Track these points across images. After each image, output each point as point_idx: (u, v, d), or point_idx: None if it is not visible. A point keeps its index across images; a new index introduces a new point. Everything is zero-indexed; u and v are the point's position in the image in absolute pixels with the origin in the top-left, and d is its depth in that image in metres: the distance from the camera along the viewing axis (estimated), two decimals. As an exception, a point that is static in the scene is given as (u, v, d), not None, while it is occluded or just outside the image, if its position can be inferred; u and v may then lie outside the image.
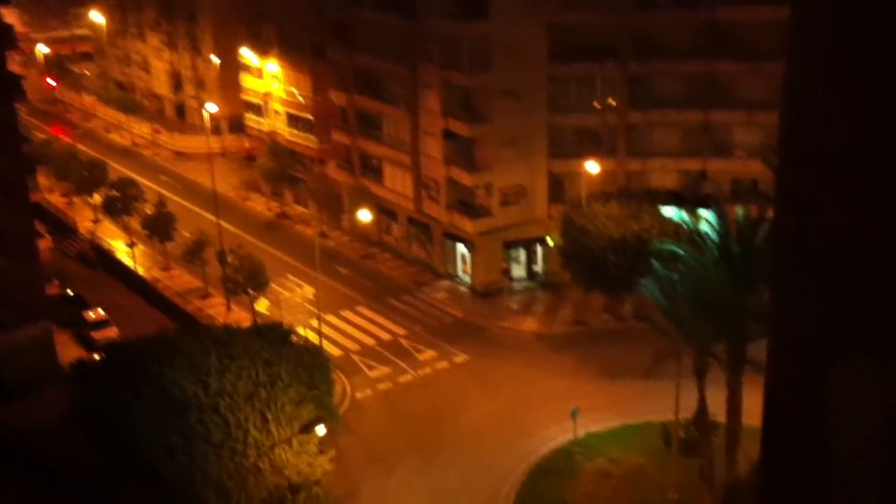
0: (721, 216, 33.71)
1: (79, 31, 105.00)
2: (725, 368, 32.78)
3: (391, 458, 37.80)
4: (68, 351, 45.00)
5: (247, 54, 69.45)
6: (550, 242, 52.71)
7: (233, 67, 74.11)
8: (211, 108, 63.67)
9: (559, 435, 38.55)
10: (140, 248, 60.68)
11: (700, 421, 34.55)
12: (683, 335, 32.96)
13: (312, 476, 29.38)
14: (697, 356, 33.24)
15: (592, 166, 50.05)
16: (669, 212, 48.61)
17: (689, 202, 46.76)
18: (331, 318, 49.87)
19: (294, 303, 44.87)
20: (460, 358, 46.34)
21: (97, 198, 63.35)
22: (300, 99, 65.33)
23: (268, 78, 68.36)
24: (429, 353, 46.90)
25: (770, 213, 31.97)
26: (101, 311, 49.53)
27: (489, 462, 37.35)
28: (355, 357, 46.86)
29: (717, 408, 33.54)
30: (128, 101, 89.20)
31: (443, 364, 45.90)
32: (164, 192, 67.92)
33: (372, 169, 60.11)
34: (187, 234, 55.14)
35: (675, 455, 34.67)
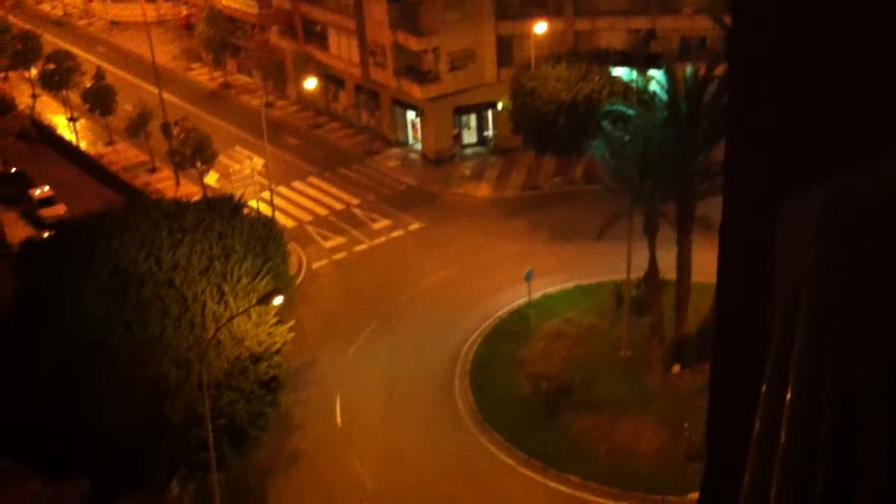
0: (670, 75, 33.61)
1: None
2: (675, 227, 33.29)
3: (349, 327, 38.26)
4: (16, 230, 44.31)
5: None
6: (500, 107, 52.35)
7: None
8: (145, -26, 61.27)
9: (514, 297, 39.19)
10: (81, 122, 59.20)
11: (651, 279, 35.29)
12: (633, 195, 33.29)
13: (272, 346, 29.67)
14: (648, 216, 33.68)
15: (540, 27, 49.30)
16: (619, 72, 48.43)
17: (638, 62, 46.54)
18: (282, 189, 49.52)
19: (244, 175, 44.35)
20: (414, 226, 46.49)
21: (34, 72, 61.31)
22: (238, -38, 63.07)
23: (203, -59, 65.72)
24: (383, 222, 46.97)
25: (718, 71, 32.09)
26: (46, 189, 48.63)
27: (446, 326, 37.98)
28: (309, 228, 46.79)
29: (668, 266, 34.24)
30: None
31: (397, 232, 46.07)
32: (102, 63, 65.85)
33: (316, 35, 58.67)
34: (129, 108, 53.80)
35: (626, 314, 35.51)
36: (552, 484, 30.32)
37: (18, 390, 27.01)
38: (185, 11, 72.85)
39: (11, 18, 73.60)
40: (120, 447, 26.17)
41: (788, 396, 3.36)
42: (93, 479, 27.46)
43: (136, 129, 51.58)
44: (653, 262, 34.70)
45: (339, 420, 33.61)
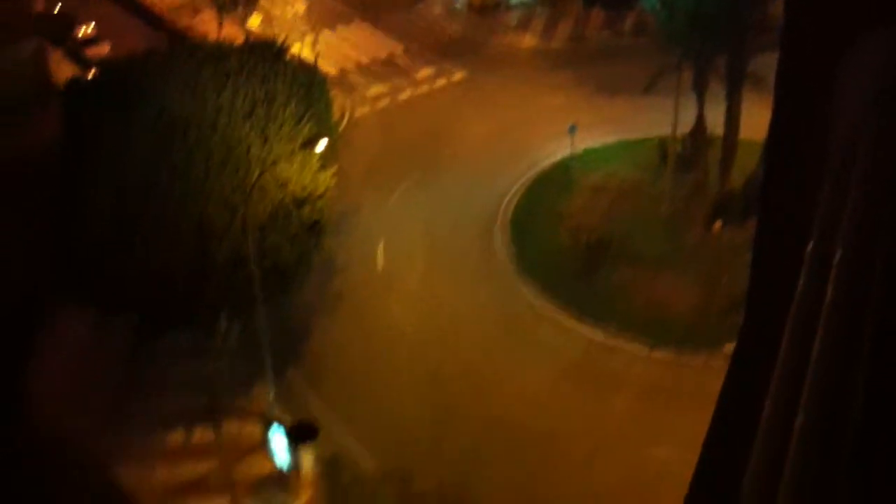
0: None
1: None
2: (725, 83, 32.67)
3: (391, 175, 38.46)
4: (61, 70, 44.45)
5: None
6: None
7: None
8: None
9: (557, 151, 39.02)
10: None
11: (697, 135, 34.90)
12: (683, 50, 32.56)
13: (316, 191, 30.01)
14: (697, 71, 33.01)
15: None
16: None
17: None
18: (325, 34, 48.90)
19: (286, 19, 43.79)
20: (458, 75, 45.95)
21: None
22: None
23: None
24: (426, 71, 46.44)
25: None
26: (91, 29, 48.44)
27: (488, 178, 38.07)
28: (352, 75, 46.43)
29: (715, 123, 33.77)
30: None
31: (441, 82, 45.59)
32: None
33: None
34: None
35: (670, 169, 35.31)
36: (587, 333, 30.96)
37: (69, 232, 27.75)
38: None
39: None
40: (167, 286, 27.00)
41: (838, 256, 3.44)
42: (142, 314, 28.48)
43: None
44: (700, 117, 34.23)
45: (380, 265, 34.29)
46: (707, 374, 29.08)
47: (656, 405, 28.45)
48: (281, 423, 24.61)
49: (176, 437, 28.19)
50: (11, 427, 20.99)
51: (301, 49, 43.37)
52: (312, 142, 29.28)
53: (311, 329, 31.78)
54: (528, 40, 49.15)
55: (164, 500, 25.79)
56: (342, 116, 42.66)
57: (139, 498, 22.65)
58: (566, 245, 34.12)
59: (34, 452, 21.11)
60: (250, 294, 26.61)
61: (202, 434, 27.73)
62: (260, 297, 26.29)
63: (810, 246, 4.08)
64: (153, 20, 51.35)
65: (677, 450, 26.65)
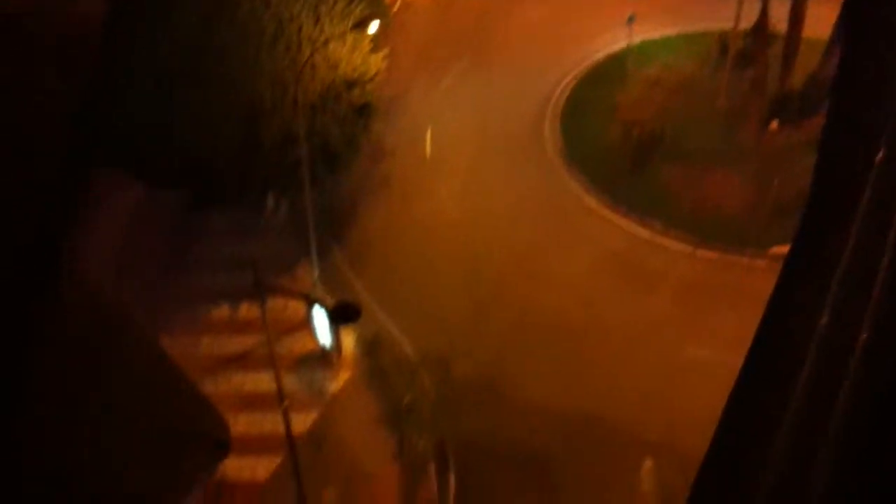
0: None
1: None
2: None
3: (443, 61, 37.89)
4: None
5: None
6: None
7: None
8: None
9: (613, 42, 38.08)
10: None
11: (759, 31, 33.79)
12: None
13: (366, 73, 29.71)
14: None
15: None
16: None
17: None
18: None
19: None
20: (515, -42, 44.63)
21: None
22: None
23: None
24: (482, -47, 45.15)
25: None
26: None
27: (541, 67, 37.37)
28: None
29: (779, 19, 32.65)
30: None
31: (496, -36, 44.36)
32: None
33: None
34: None
35: (729, 66, 34.36)
36: (633, 228, 30.77)
37: (113, 105, 27.71)
38: None
39: None
40: (214, 163, 27.11)
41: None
42: (189, 190, 28.72)
43: None
44: (764, 12, 33.09)
45: (428, 151, 34.12)
46: (751, 275, 28.94)
47: (696, 304, 28.38)
48: (323, 303, 24.93)
49: (220, 312, 28.79)
50: (58, 288, 21.43)
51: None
52: (364, 23, 28.79)
53: (357, 212, 31.93)
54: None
55: (207, 372, 26.46)
56: (395, -2, 41.88)
57: (184, 366, 23.21)
58: (617, 139, 33.62)
59: (80, 313, 21.61)
60: (298, 174, 26.66)
61: (246, 310, 28.27)
62: (307, 177, 26.33)
63: (881, 154, 3.91)
64: None
65: (714, 350, 26.78)
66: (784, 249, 29.08)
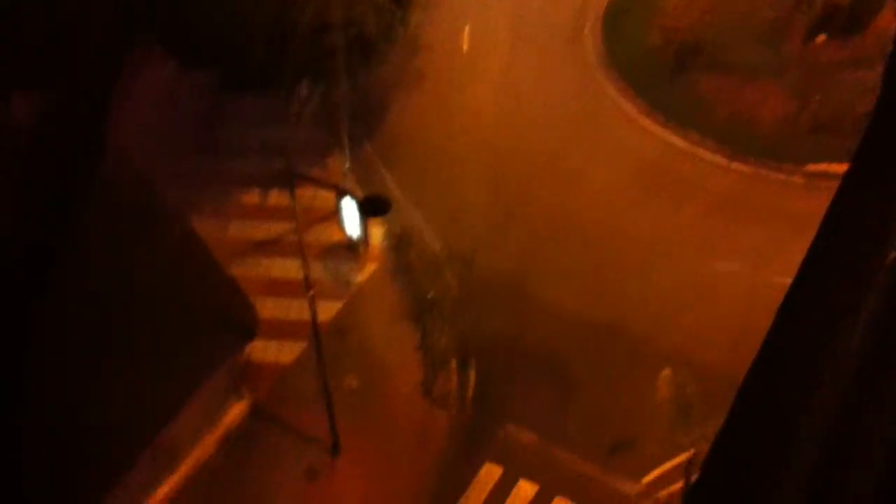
0: None
1: None
2: None
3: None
4: None
5: None
6: None
7: None
8: None
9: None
10: None
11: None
12: None
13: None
14: None
15: None
16: None
17: None
18: None
19: None
20: None
21: None
22: None
23: None
24: None
25: None
26: None
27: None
28: None
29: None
30: None
31: None
32: None
33: None
34: None
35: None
36: (669, 137, 30.38)
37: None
38: None
39: None
40: (247, 47, 26.83)
41: None
42: (222, 71, 28.49)
43: None
44: None
45: (465, 47, 33.58)
46: (786, 191, 28.72)
47: (726, 217, 28.22)
48: (353, 194, 24.97)
49: (250, 197, 28.89)
50: (95, 161, 21.51)
51: None
52: None
53: (390, 105, 31.66)
54: None
55: (236, 256, 26.73)
56: None
57: (213, 248, 23.51)
58: (658, 45, 32.89)
59: (119, 189, 21.79)
60: (332, 64, 26.40)
61: (276, 197, 28.33)
62: (342, 66, 26.07)
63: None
64: None
65: (741, 266, 26.79)
66: (820, 167, 28.97)
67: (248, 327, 23.40)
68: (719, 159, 29.70)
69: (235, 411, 24.19)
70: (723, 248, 27.31)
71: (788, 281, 26.96)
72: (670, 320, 25.88)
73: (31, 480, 19.18)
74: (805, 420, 6.42)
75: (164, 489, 22.74)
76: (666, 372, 21.25)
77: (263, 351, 24.85)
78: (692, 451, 20.91)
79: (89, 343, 20.87)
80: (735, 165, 29.57)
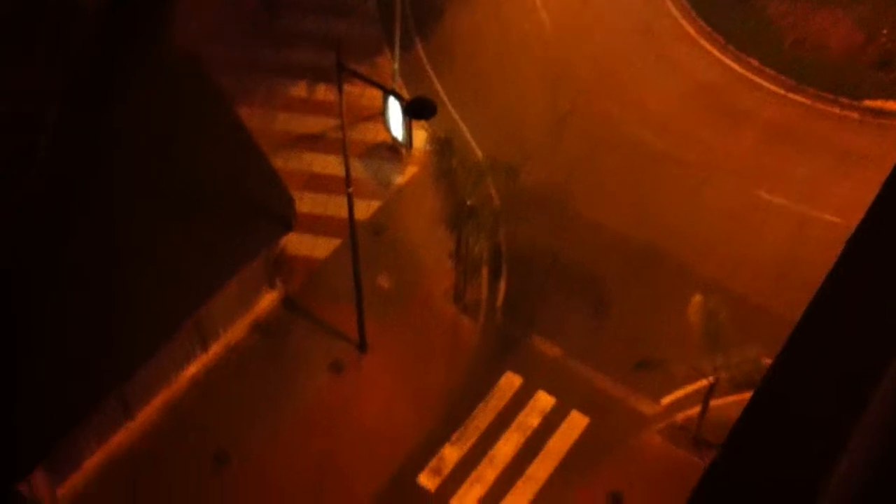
0: None
1: None
2: None
3: None
4: None
5: None
6: None
7: None
8: None
9: None
10: None
11: None
12: None
13: None
14: None
15: None
16: None
17: None
18: None
19: None
20: None
21: None
22: None
23: None
24: None
25: None
26: None
27: None
28: None
29: None
30: None
31: None
32: None
33: None
34: None
35: None
36: (728, 61, 29.61)
37: None
38: None
39: None
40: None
41: None
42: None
43: None
44: None
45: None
46: (842, 125, 28.01)
47: (779, 149, 27.64)
48: (400, 95, 24.77)
49: (298, 90, 28.88)
50: (152, 44, 21.61)
51: None
52: None
53: (445, 8, 31.18)
54: None
55: (280, 147, 26.84)
56: None
57: (258, 139, 23.57)
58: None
59: (169, 70, 21.88)
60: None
61: (323, 92, 28.30)
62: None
63: None
64: None
65: (787, 199, 26.34)
66: (877, 104, 28.16)
67: (286, 220, 23.61)
68: (777, 88, 28.95)
69: (268, 300, 24.60)
70: (771, 179, 26.82)
71: (834, 218, 26.64)
72: (711, 247, 25.63)
73: (76, 344, 19.90)
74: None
75: (194, 368, 23.36)
76: (699, 298, 21.05)
77: (299, 244, 25.11)
78: (714, 378, 20.90)
79: (134, 220, 21.30)
80: (792, 96, 28.80)
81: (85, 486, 21.57)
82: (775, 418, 5.90)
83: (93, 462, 21.77)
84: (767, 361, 21.28)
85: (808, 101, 28.63)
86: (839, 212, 25.94)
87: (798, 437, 5.80)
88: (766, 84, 29.17)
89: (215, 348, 23.74)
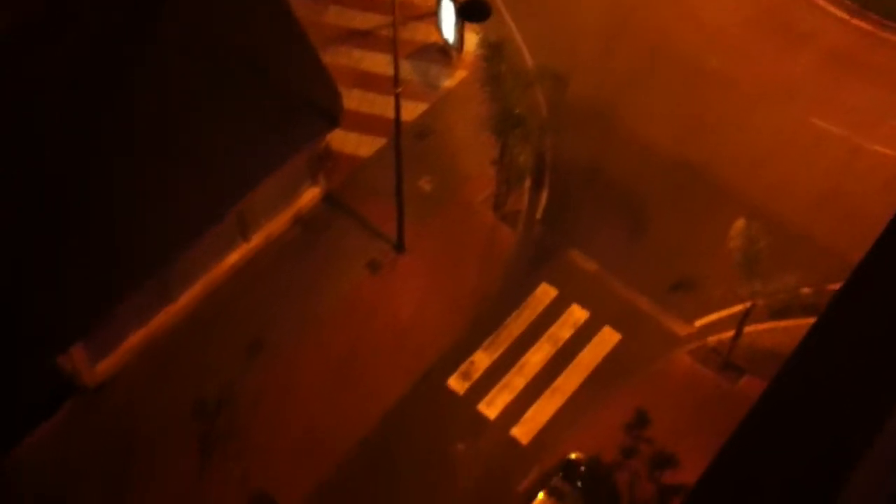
0: None
1: None
2: None
3: None
4: None
5: None
6: None
7: None
8: None
9: None
10: None
11: None
12: None
13: None
14: None
15: None
16: None
17: None
18: None
19: None
20: None
21: None
22: None
23: None
24: None
25: None
26: None
27: None
28: None
29: None
30: None
31: None
32: None
33: None
34: None
35: None
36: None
37: None
38: None
39: None
40: None
41: None
42: None
43: None
44: None
45: None
46: (902, 56, 27.23)
47: (836, 75, 26.97)
48: (455, -5, 24.43)
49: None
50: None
51: None
52: None
53: None
54: None
55: (329, 42, 26.62)
56: None
57: (308, 32, 23.34)
58: None
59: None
60: None
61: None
62: None
63: None
64: None
65: (839, 126, 25.83)
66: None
67: (333, 115, 23.52)
68: (840, 13, 28.11)
69: (310, 195, 24.73)
70: (825, 106, 26.26)
71: (885, 150, 26.11)
72: (758, 171, 25.31)
73: (123, 226, 20.24)
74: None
75: (235, 257, 23.67)
76: (740, 221, 20.88)
77: (343, 141, 25.08)
78: (750, 303, 20.87)
79: (182, 107, 21.38)
80: (856, 21, 27.94)
81: (123, 364, 22.17)
82: (836, 348, 5.87)
83: (132, 342, 22.33)
84: (805, 290, 21.34)
85: (872, 28, 27.78)
86: (891, 144, 25.45)
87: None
88: (829, 7, 28.34)
89: (256, 239, 24.01)
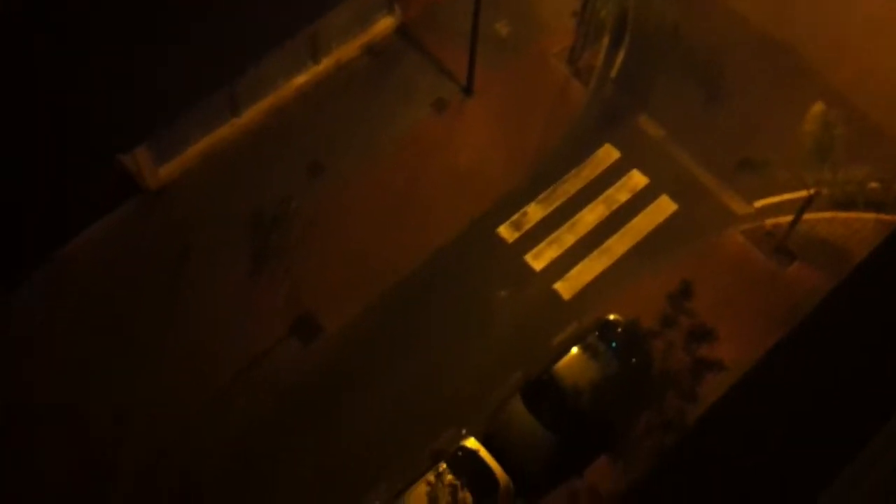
0: None
1: None
2: None
3: None
4: None
5: None
6: None
7: None
8: None
9: None
10: None
11: None
12: None
13: None
14: None
15: None
16: None
17: None
18: None
19: None
20: None
21: None
22: None
23: None
24: None
25: None
26: None
27: None
28: None
29: None
30: None
31: None
32: None
33: None
34: None
35: None
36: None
37: None
38: None
39: None
40: None
41: None
42: None
43: None
44: None
45: None
46: None
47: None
48: None
49: None
50: None
51: None
52: None
53: None
54: None
55: None
56: None
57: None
58: None
59: None
60: None
61: None
62: None
63: None
64: None
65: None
66: None
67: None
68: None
69: (383, 25, 24.40)
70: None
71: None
72: (845, 56, 24.38)
73: (196, 34, 20.18)
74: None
75: (303, 79, 23.64)
76: (819, 106, 20.21)
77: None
78: (814, 190, 20.49)
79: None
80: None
81: (185, 170, 22.58)
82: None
83: (196, 149, 22.67)
84: (873, 185, 20.83)
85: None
86: None
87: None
88: None
89: (325, 63, 23.88)
